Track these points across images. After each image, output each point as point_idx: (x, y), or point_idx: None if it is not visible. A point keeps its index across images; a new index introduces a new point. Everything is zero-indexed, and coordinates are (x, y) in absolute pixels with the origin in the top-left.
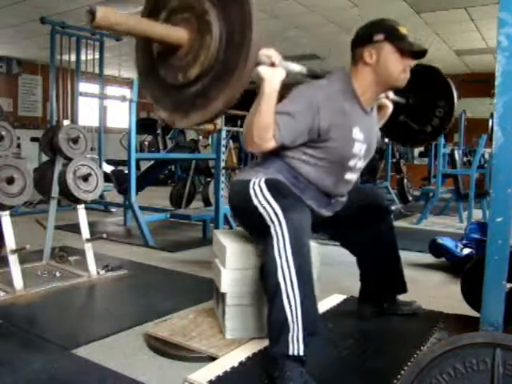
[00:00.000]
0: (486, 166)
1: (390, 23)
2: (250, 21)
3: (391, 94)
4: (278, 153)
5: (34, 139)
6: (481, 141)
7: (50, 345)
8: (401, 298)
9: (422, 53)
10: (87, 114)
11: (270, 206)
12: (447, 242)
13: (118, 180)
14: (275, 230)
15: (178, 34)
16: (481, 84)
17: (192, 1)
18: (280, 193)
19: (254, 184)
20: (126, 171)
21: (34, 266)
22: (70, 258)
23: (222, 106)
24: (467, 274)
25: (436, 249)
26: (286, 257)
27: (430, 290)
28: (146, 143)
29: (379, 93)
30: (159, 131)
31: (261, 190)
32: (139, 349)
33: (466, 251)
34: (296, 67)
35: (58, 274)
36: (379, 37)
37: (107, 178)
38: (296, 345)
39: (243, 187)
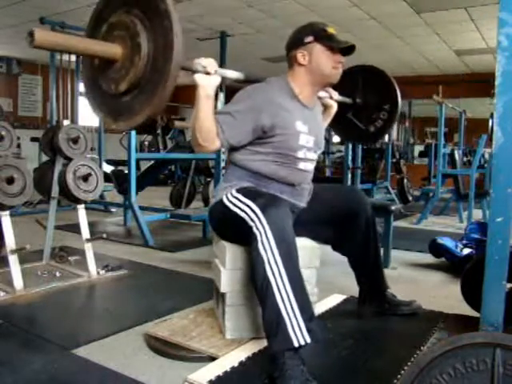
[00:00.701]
0: (486, 166)
1: (319, 25)
2: (171, 50)
3: (336, 95)
4: (232, 160)
5: (33, 139)
6: (481, 141)
7: (50, 345)
8: (401, 297)
9: (349, 48)
10: (87, 114)
11: (248, 207)
12: (447, 242)
13: (118, 180)
14: (257, 228)
15: (113, 50)
16: (481, 84)
17: (127, 21)
18: (254, 194)
19: (227, 198)
20: (126, 171)
21: (33, 265)
22: (70, 257)
23: (142, 120)
24: (467, 273)
25: (436, 249)
26: (271, 250)
27: (430, 290)
28: (146, 143)
29: (316, 90)
30: (159, 131)
31: (236, 198)
32: (139, 349)
33: (466, 251)
34: (232, 74)
35: (58, 274)
36: (309, 38)
37: (107, 178)
38: (300, 335)
39: (219, 206)
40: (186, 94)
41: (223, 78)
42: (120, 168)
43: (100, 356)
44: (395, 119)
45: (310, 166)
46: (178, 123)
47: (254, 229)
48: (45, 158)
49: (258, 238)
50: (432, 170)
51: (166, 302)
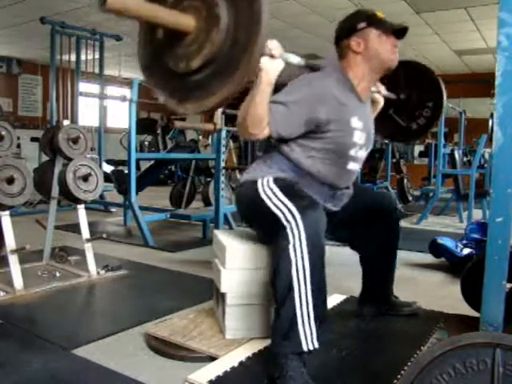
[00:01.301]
0: (486, 166)
1: (368, 11)
2: (259, 22)
3: (383, 90)
4: (279, 149)
5: (33, 139)
6: (481, 141)
7: (50, 345)
8: (401, 298)
9: (403, 31)
10: (87, 113)
11: (286, 206)
12: (447, 242)
13: (118, 180)
14: (291, 229)
15: (186, 21)
16: (481, 84)
17: None
18: (294, 193)
19: (263, 185)
20: (126, 171)
21: (33, 265)
22: (69, 257)
23: (217, 102)
24: (467, 273)
25: (436, 249)
26: (302, 255)
27: (430, 290)
28: (146, 143)
29: (374, 80)
30: (159, 131)
31: (272, 192)
32: (139, 349)
33: (466, 251)
34: (295, 59)
35: (58, 274)
36: (362, 25)
37: (107, 177)
38: (310, 340)
39: (252, 190)
40: None
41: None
42: (120, 168)
43: (100, 356)
44: (439, 117)
45: (357, 167)
46: (178, 123)
47: (288, 229)
48: (45, 158)
49: (291, 239)
50: (432, 169)
51: (165, 302)
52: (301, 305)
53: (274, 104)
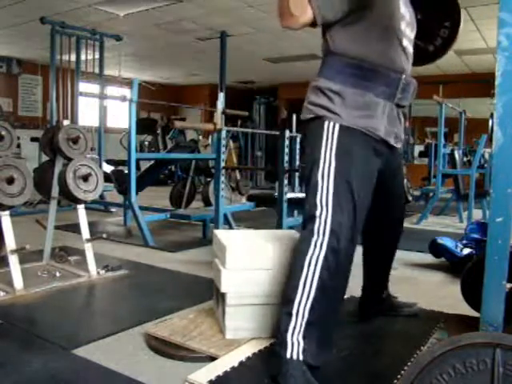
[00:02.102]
0: (486, 166)
1: None
2: None
3: None
4: (331, 49)
5: (33, 139)
6: (481, 141)
7: (50, 345)
8: (401, 298)
9: None
10: (87, 113)
11: (327, 206)
12: (447, 242)
13: (118, 180)
14: (315, 242)
15: None
16: (481, 84)
17: None
18: (344, 179)
19: (326, 145)
20: (126, 171)
21: (33, 265)
22: (69, 257)
23: None
24: (467, 273)
25: (436, 249)
26: (315, 268)
27: (430, 290)
28: (146, 143)
29: None
30: (159, 131)
31: (329, 165)
32: (139, 349)
33: (466, 251)
34: None
35: (58, 274)
36: None
37: (107, 177)
38: (296, 349)
39: (316, 128)
40: (186, 94)
41: None
42: (120, 168)
43: (100, 356)
44: (456, 37)
45: (411, 48)
46: (177, 123)
47: (313, 239)
48: (45, 158)
49: (311, 246)
50: (432, 169)
51: (165, 302)
52: (298, 311)
53: None
